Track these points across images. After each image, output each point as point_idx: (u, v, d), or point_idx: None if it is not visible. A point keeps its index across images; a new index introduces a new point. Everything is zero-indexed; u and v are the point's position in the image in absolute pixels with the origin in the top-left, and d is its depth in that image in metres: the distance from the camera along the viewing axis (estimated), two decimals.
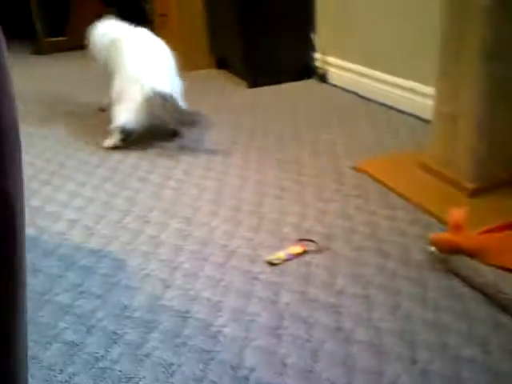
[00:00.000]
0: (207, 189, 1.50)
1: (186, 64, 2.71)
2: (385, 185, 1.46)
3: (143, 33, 2.00)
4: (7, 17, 3.93)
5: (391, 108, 2.04)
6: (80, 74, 2.74)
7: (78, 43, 3.20)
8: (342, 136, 1.82)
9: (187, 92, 1.92)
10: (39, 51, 3.29)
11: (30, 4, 3.18)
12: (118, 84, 1.82)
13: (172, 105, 1.75)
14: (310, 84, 2.43)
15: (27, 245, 1.22)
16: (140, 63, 1.82)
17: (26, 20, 3.38)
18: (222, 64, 2.74)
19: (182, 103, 1.79)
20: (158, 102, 1.74)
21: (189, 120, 1.93)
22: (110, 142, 1.81)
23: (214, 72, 2.71)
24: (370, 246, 1.20)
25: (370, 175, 1.52)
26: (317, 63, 2.45)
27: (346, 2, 2.22)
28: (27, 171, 1.64)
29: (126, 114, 1.76)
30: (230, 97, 2.30)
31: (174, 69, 1.92)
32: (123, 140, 1.80)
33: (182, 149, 1.77)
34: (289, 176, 1.55)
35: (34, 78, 2.74)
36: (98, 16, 2.23)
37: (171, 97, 1.74)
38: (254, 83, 2.41)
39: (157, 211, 1.39)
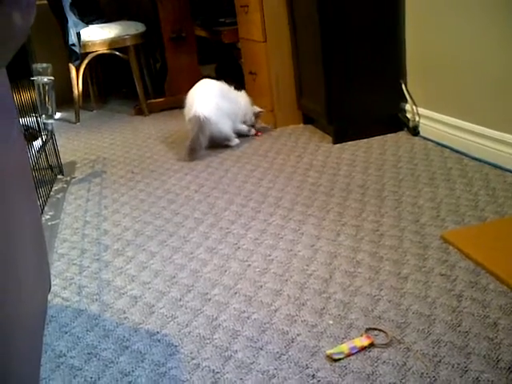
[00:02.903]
0: (274, 261, 1.41)
1: (275, 120, 2.70)
2: (476, 261, 1.27)
3: (209, 80, 2.49)
4: (116, 83, 4.27)
5: (487, 163, 1.83)
6: (173, 130, 2.84)
7: (175, 102, 3.43)
8: (431, 198, 1.65)
9: (270, 149, 2.29)
10: (141, 112, 3.49)
11: (132, 74, 3.40)
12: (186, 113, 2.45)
13: (209, 125, 2.31)
14: (400, 137, 2.27)
15: (89, 324, 1.22)
16: (194, 96, 2.38)
17: (131, 86, 3.63)
18: (308, 119, 2.68)
19: (222, 127, 2.36)
20: (197, 121, 2.29)
21: (224, 142, 2.46)
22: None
23: (300, 128, 2.66)
24: (451, 341, 1.02)
25: (459, 249, 1.33)
26: (408, 115, 2.30)
27: (437, 51, 2.07)
28: (104, 240, 1.68)
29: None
30: (312, 154, 2.22)
31: (227, 99, 2.42)
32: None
33: (255, 214, 1.71)
34: (365, 247, 1.42)
35: (130, 137, 2.89)
36: (193, 76, 2.56)
37: (206, 118, 2.29)
38: (339, 138, 2.31)
39: (219, 288, 1.32)
